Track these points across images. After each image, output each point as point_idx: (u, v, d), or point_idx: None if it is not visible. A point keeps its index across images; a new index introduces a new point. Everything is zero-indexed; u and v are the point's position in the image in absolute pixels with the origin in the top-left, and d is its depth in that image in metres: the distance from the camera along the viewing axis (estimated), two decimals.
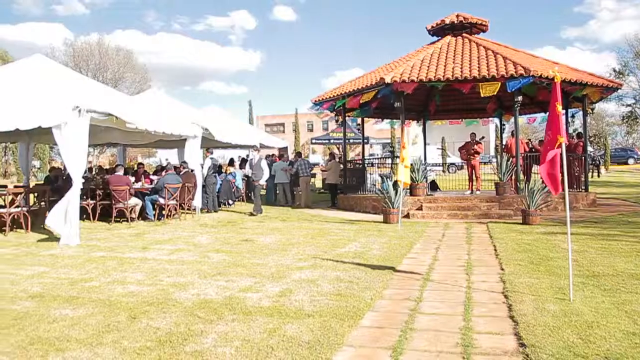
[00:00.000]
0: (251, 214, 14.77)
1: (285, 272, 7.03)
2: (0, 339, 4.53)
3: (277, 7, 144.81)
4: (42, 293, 6.10)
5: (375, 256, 8.19)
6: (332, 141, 40.35)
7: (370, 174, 17.80)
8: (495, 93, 13.62)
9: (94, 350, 4.21)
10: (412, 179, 14.24)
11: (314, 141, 41.90)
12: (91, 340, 4.45)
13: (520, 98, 14.01)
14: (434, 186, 17.92)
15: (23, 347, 4.32)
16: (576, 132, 19.61)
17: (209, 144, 16.85)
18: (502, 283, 6.24)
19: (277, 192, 19.01)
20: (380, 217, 13.19)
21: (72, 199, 9.93)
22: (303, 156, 21.34)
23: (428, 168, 18.06)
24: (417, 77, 13.61)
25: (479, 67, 13.80)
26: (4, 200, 12.01)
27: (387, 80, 13.58)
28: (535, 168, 15.23)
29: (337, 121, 21.70)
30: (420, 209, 13.99)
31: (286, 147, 24.42)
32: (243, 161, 21.49)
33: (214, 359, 4.00)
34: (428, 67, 14.36)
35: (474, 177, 16.13)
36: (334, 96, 16.64)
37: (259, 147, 15.11)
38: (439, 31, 17.42)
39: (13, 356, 4.13)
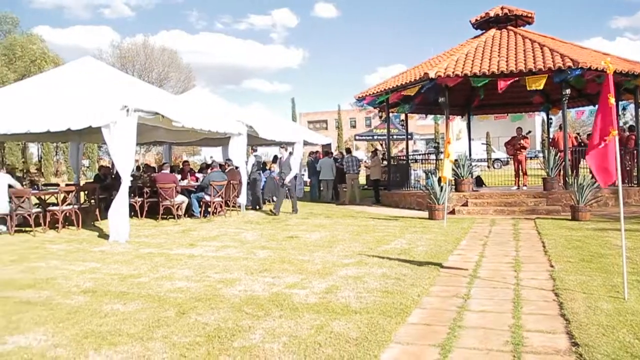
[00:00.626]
0: (271, 212, 14.65)
1: (331, 269, 7.03)
2: (56, 331, 4.67)
3: (318, 4, 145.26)
4: (94, 288, 6.26)
5: (421, 253, 8.12)
6: (375, 137, 40.12)
7: (414, 170, 17.66)
8: (542, 87, 13.34)
9: (144, 344, 4.29)
10: (457, 174, 14.09)
11: (357, 138, 41.69)
12: (142, 334, 4.53)
13: (568, 91, 13.68)
14: (479, 182, 17.68)
15: (78, 340, 4.44)
16: (627, 125, 18.98)
17: (252, 141, 17.00)
18: (552, 280, 6.09)
19: (322, 188, 19.04)
20: (425, 214, 13.08)
21: (120, 197, 10.15)
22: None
23: (473, 164, 17.81)
24: (462, 72, 13.44)
25: (525, 60, 13.53)
26: (57, 198, 12.35)
27: (431, 75, 13.45)
28: (583, 163, 14.85)
29: (380, 117, 21.62)
30: (465, 205, 13.82)
31: (330, 144, 24.41)
32: (275, 159, 21.58)
33: (262, 354, 4.02)
34: (472, 61, 14.15)
35: (520, 173, 15.84)
36: (377, 92, 16.57)
37: (286, 146, 14.93)
38: (483, 24, 17.15)
39: (69, 349, 4.24)
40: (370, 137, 41.21)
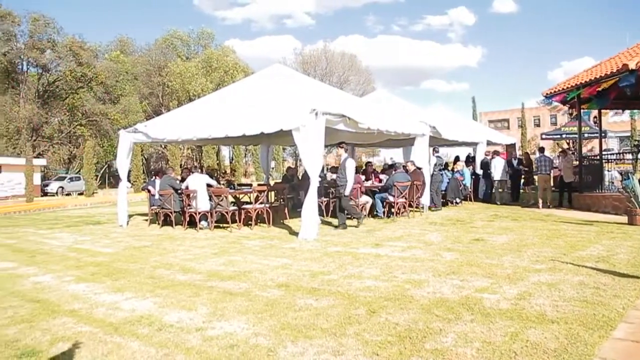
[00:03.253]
0: (336, 227, 12.16)
1: (522, 274, 6.69)
2: (256, 321, 4.98)
3: (496, 0, 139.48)
4: (287, 283, 6.58)
5: (622, 261, 7.41)
6: (563, 136, 37.58)
7: (608, 170, 16.21)
8: None
9: (338, 340, 4.41)
10: None
11: (544, 136, 39.39)
12: (334, 330, 4.66)
13: None
14: None
15: (276, 331, 4.69)
16: None
17: (433, 142, 16.79)
18: None
19: (494, 190, 18.20)
20: (623, 219, 11.93)
21: (310, 196, 10.57)
22: (527, 153, 20.05)
23: None
24: None
25: None
26: (250, 198, 13.20)
27: (631, 66, 12.25)
28: None
29: (570, 114, 20.19)
30: None
31: (514, 144, 23.34)
32: (469, 158, 21.00)
33: (455, 358, 3.93)
34: None
35: None
36: (567, 87, 15.47)
37: (345, 145, 13.26)
38: None
39: (269, 338, 4.50)
40: (558, 136, 38.68)
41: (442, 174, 16.40)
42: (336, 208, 12.41)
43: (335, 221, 12.42)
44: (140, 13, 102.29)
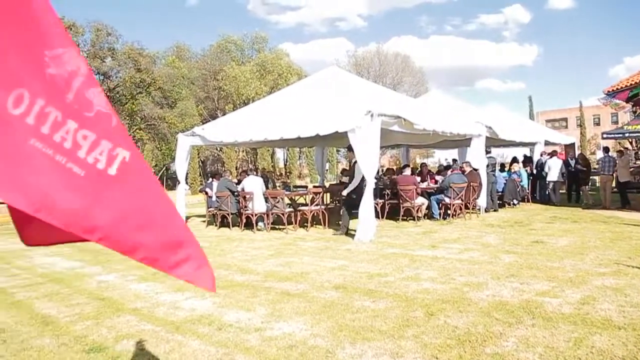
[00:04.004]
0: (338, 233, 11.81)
1: (584, 278, 6.49)
2: (314, 322, 5.01)
3: None
4: (344, 284, 6.59)
5: None
6: (626, 135, 36.26)
7: None
8: None
9: (396, 342, 4.39)
10: None
11: (604, 136, 38.12)
12: (393, 332, 4.64)
13: None
14: None
15: (334, 332, 4.70)
16: None
17: (489, 142, 16.49)
18: None
19: (549, 190, 17.68)
20: None
21: (367, 198, 10.55)
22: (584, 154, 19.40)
23: None
24: None
25: None
26: (305, 199, 13.29)
27: None
28: None
29: (634, 112, 19.49)
30: None
31: (573, 144, 22.72)
32: (527, 159, 20.51)
33: None
34: None
35: None
36: (630, 84, 14.95)
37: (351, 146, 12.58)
38: None
39: (327, 339, 4.52)
40: (620, 135, 37.33)
41: (494, 175, 16.07)
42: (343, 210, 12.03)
43: (391, 222, 12.35)
44: (196, 20, 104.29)
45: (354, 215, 11.27)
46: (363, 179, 11.01)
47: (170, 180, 51.46)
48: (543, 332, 4.49)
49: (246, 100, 45.91)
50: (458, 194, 13.12)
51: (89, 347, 4.61)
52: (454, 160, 18.50)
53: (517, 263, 7.58)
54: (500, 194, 16.40)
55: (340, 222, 11.92)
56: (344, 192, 11.89)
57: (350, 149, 11.41)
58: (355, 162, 11.39)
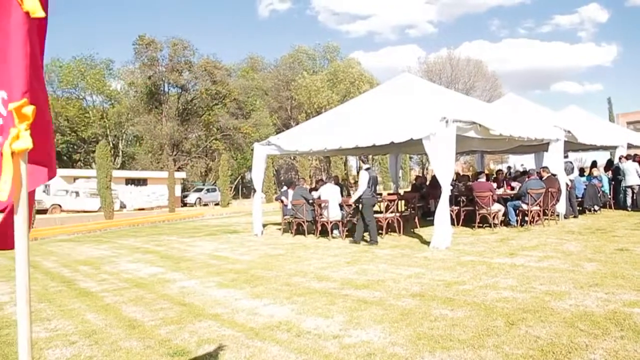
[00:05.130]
0: (353, 241, 11.91)
1: None
2: (392, 330, 5.02)
3: None
4: (422, 292, 6.56)
5: None
6: None
7: None
8: None
9: (476, 352, 4.34)
10: None
11: None
12: (472, 342, 4.59)
13: None
14: None
15: (412, 340, 4.70)
16: None
17: (568, 146, 15.96)
18: None
19: (627, 196, 16.83)
20: None
21: (442, 205, 10.47)
22: None
23: None
24: None
25: None
26: (380, 207, 13.29)
27: None
28: None
29: None
30: None
31: None
32: (609, 163, 19.70)
33: None
34: None
35: None
36: None
37: (364, 158, 12.54)
38: None
39: (406, 348, 4.53)
40: None
41: (571, 180, 15.53)
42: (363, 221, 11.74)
43: (467, 229, 12.16)
44: (268, 33, 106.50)
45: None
46: (368, 186, 11.16)
47: (245, 189, 52.65)
48: (633, 345, 4.32)
49: (318, 109, 46.38)
50: (536, 200, 12.78)
51: (173, 350, 4.81)
52: (523, 168, 18.02)
53: (601, 272, 7.31)
54: (579, 199, 15.85)
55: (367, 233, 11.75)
56: (351, 201, 12.13)
57: (361, 158, 11.47)
58: (360, 168, 11.38)
